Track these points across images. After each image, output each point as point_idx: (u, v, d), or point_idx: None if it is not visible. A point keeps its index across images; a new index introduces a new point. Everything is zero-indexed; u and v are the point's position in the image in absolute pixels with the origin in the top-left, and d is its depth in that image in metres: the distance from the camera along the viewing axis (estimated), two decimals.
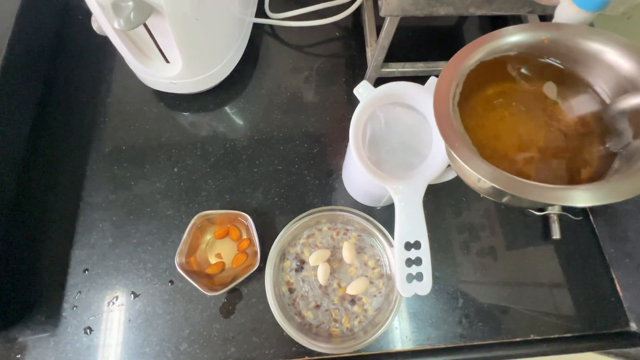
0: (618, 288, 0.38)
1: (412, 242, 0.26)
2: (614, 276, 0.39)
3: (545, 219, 0.40)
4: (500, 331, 0.37)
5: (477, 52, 0.23)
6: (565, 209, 0.39)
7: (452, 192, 0.41)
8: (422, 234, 0.26)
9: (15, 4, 0.42)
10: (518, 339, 0.36)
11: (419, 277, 0.26)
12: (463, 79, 0.23)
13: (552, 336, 0.36)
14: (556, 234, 0.39)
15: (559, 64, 0.24)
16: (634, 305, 0.37)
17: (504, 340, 0.36)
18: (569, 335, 0.37)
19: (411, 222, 0.26)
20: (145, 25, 0.34)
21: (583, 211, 0.41)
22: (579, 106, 0.24)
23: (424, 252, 0.26)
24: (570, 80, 0.24)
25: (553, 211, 0.39)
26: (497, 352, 0.36)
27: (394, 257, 0.27)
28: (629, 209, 0.37)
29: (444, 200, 0.41)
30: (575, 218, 0.39)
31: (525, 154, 0.23)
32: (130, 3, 0.30)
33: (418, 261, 0.26)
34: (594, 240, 0.40)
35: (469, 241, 0.40)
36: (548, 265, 0.39)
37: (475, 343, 0.36)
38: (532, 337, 0.36)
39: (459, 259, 0.39)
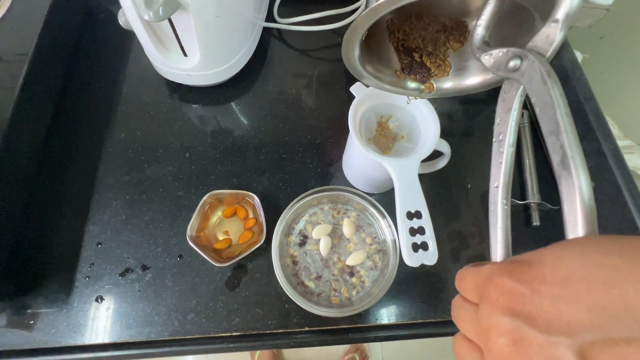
0: None
1: (412, 211, 0.28)
2: None
3: (527, 208, 0.44)
4: None
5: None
6: (543, 198, 0.43)
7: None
8: (421, 204, 0.29)
9: (46, 5, 0.46)
10: None
11: (425, 246, 0.28)
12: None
13: None
14: (536, 220, 0.43)
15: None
16: None
17: None
18: None
19: (409, 192, 0.29)
20: (170, 20, 0.38)
21: (559, 201, 0.45)
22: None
23: (426, 222, 0.28)
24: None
25: (533, 200, 0.43)
26: None
27: (397, 228, 0.29)
28: (600, 199, 0.41)
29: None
30: (552, 207, 0.43)
31: None
32: None
33: (421, 230, 0.28)
34: None
35: (461, 238, 0.43)
36: (528, 249, 0.42)
37: None
38: None
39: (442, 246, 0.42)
